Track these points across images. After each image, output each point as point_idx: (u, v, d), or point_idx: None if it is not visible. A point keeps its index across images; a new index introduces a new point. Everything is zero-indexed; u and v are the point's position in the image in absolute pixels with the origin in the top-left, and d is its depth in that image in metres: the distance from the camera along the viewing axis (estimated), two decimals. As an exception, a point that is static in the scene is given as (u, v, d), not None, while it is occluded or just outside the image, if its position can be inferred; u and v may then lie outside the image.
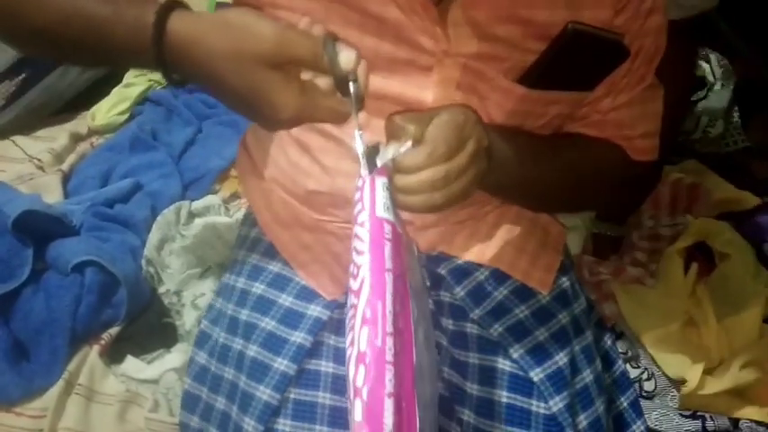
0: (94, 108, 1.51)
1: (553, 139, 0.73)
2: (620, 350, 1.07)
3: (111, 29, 0.53)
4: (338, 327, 0.77)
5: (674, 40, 1.06)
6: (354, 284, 0.50)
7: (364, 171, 0.54)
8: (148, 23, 0.51)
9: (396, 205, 0.55)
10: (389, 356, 0.47)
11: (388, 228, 0.52)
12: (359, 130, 0.54)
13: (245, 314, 0.80)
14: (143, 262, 1.13)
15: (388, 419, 0.46)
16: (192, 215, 1.23)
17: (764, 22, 1.16)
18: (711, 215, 1.35)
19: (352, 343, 0.49)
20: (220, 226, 1.18)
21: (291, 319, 0.77)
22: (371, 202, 0.53)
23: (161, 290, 1.12)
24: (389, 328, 0.48)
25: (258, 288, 0.81)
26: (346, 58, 0.51)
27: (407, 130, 0.56)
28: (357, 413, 0.47)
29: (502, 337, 0.77)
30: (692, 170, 1.41)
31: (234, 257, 0.88)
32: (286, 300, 0.79)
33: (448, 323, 0.81)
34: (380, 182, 0.54)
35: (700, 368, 1.02)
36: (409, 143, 0.56)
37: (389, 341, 0.47)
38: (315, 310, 0.77)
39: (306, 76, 0.53)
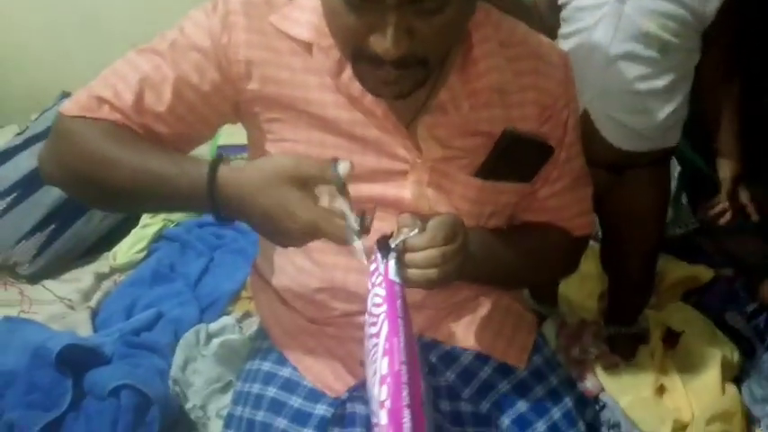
0: (115, 249, 1.66)
1: (511, 232, 0.91)
2: (603, 419, 1.19)
3: (177, 184, 0.71)
4: (342, 421, 0.87)
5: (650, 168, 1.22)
6: (374, 329, 0.66)
7: (378, 252, 0.70)
8: (204, 175, 0.69)
9: (402, 280, 0.71)
10: (404, 378, 0.62)
11: (397, 288, 0.69)
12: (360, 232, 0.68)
13: (260, 415, 0.90)
14: (170, 382, 1.25)
15: (407, 424, 0.61)
16: (209, 336, 1.36)
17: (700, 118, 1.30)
18: (677, 294, 1.52)
19: (375, 372, 0.64)
20: (235, 343, 1.31)
21: (301, 417, 0.88)
22: (385, 269, 0.69)
23: (187, 406, 1.23)
24: (403, 358, 0.63)
25: (271, 392, 0.92)
26: (342, 165, 0.67)
27: (415, 222, 0.73)
28: (382, 419, 0.62)
29: (490, 412, 0.89)
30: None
31: (248, 368, 0.99)
32: (296, 401, 0.90)
33: (445, 405, 0.92)
34: (392, 257, 0.70)
35: (670, 423, 1.16)
36: (416, 230, 0.73)
37: (404, 368, 0.63)
38: (321, 409, 0.88)
39: (323, 202, 0.69)
